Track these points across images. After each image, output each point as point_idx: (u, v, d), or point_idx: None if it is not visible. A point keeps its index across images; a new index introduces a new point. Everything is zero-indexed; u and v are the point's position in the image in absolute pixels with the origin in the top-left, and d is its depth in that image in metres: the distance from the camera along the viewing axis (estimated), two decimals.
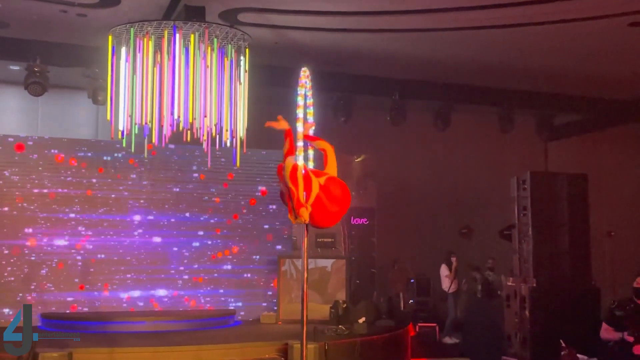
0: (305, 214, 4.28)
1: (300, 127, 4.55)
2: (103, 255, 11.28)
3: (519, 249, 10.54)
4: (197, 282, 11.82)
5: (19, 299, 10.70)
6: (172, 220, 11.75)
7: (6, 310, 10.59)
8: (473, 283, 12.77)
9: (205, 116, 8.52)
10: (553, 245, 10.41)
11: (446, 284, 12.65)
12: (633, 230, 14.21)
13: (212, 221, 11.94)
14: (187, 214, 11.81)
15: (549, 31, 9.64)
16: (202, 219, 11.89)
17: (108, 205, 11.38)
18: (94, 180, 11.30)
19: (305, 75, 4.75)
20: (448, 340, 12.11)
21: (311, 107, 4.84)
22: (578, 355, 9.13)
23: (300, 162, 4.37)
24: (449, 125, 12.91)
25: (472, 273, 12.79)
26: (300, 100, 4.66)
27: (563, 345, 9.21)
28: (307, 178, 4.27)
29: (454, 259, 12.63)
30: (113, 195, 11.42)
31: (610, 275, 13.02)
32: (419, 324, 12.00)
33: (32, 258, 10.91)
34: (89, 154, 11.28)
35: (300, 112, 4.61)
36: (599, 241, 12.24)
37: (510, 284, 10.65)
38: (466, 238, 13.75)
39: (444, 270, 12.71)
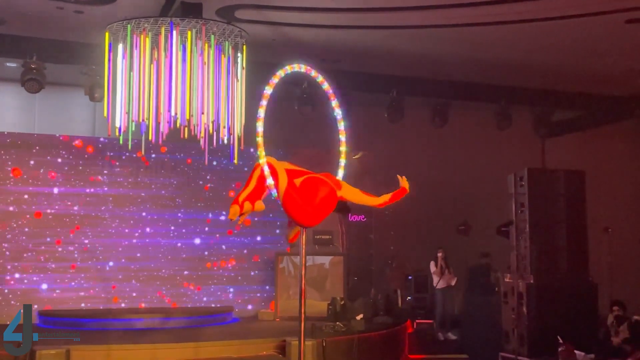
0: (232, 210, 4.21)
1: (261, 112, 4.44)
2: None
3: (516, 246, 10.57)
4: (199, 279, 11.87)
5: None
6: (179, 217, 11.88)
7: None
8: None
9: (203, 113, 8.49)
10: (550, 241, 10.44)
11: (434, 280, 12.64)
12: (630, 226, 14.23)
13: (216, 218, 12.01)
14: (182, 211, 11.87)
15: (546, 28, 9.64)
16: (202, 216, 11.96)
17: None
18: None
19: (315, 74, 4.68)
20: (441, 336, 12.10)
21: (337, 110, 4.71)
22: (575, 351, 9.15)
23: (263, 160, 4.28)
24: (446, 122, 12.91)
25: (480, 260, 12.67)
26: (267, 90, 4.51)
27: (560, 341, 9.24)
28: (273, 174, 4.20)
29: (439, 255, 12.57)
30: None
31: (607, 271, 13.03)
32: (417, 321, 12.01)
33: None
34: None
35: (264, 101, 4.52)
36: (596, 237, 12.24)
37: (507, 280, 10.67)
38: (464, 234, 13.74)
39: (432, 267, 12.70)
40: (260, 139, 4.32)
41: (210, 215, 12.00)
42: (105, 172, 11.62)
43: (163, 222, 11.82)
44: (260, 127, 4.44)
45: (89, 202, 11.48)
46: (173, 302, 11.65)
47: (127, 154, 11.15)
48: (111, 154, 11.63)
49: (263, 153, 4.29)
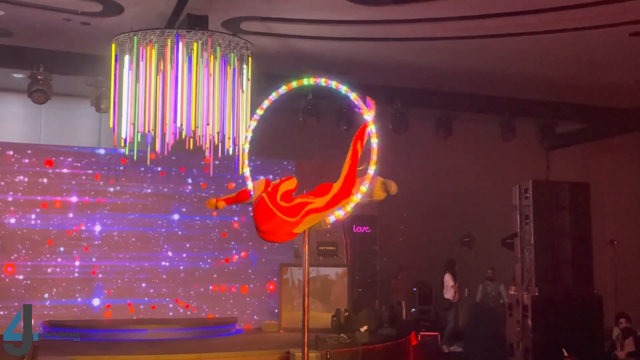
0: (209, 201, 4.69)
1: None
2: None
3: (521, 258, 10.52)
4: (199, 290, 11.84)
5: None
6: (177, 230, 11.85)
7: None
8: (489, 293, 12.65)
9: (208, 124, 8.54)
10: (555, 254, 10.39)
11: (451, 293, 12.59)
12: (635, 238, 14.19)
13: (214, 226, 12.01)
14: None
15: (551, 40, 9.67)
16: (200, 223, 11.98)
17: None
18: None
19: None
20: (445, 349, 12.07)
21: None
22: None
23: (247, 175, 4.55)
24: (450, 134, 12.91)
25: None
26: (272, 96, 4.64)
27: (565, 354, 9.19)
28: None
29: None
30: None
31: (612, 284, 12.99)
32: (421, 333, 11.96)
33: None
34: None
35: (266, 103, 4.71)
36: (601, 250, 12.22)
37: (512, 292, 10.64)
38: (468, 246, 13.72)
39: (449, 280, 12.64)
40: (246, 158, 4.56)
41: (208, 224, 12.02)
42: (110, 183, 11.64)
43: (167, 231, 11.82)
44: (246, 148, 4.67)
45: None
46: (177, 313, 11.63)
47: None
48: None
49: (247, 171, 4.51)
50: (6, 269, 10.84)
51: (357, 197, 4.35)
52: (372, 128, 4.45)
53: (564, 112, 13.26)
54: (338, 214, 4.38)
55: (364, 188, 4.36)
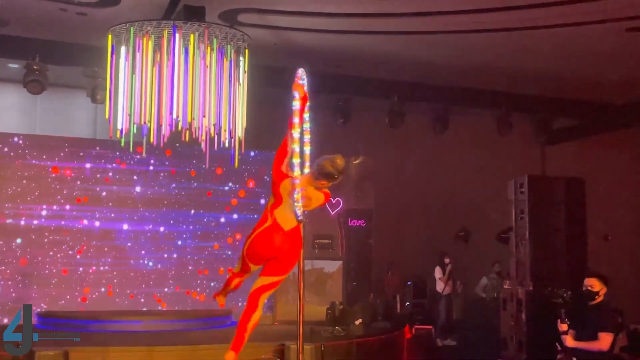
0: None
1: (295, 133, 4.45)
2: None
3: (516, 253, 10.56)
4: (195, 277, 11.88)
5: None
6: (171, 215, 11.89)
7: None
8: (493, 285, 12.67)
9: (204, 116, 8.51)
10: (550, 248, 10.43)
11: (440, 286, 12.64)
12: (630, 234, 14.24)
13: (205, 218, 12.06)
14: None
15: (547, 35, 9.67)
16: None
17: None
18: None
19: (299, 77, 4.51)
20: (439, 343, 12.12)
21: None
22: (574, 358, 9.13)
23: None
24: (447, 128, 12.93)
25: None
26: (295, 105, 4.46)
27: (559, 349, 9.22)
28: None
29: (447, 260, 12.63)
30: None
31: None
32: (415, 326, 12.00)
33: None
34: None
35: (297, 119, 4.52)
36: (596, 245, 12.26)
37: (506, 287, 10.68)
38: (463, 241, 13.75)
39: (437, 273, 12.71)
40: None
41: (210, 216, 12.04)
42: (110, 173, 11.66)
43: (161, 222, 11.83)
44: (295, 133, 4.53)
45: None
46: (170, 305, 11.65)
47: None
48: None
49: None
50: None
51: (297, 194, 4.38)
52: (295, 104, 4.45)
53: (560, 108, 13.28)
54: (298, 205, 4.40)
55: (297, 175, 4.46)
